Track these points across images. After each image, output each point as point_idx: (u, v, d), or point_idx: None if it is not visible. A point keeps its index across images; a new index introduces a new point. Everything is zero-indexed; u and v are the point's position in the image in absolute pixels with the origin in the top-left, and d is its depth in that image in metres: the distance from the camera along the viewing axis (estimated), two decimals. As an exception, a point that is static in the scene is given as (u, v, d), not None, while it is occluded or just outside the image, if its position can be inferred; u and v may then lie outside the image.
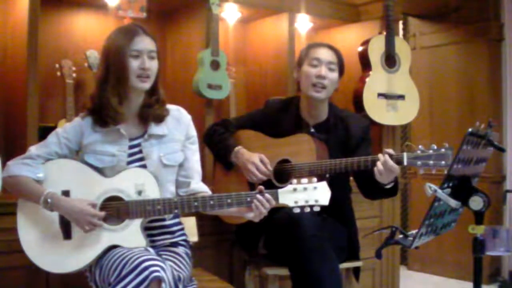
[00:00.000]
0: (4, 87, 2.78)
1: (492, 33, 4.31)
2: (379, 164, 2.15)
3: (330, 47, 2.49)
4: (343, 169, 2.27)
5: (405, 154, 2.15)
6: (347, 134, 2.45)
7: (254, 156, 2.40)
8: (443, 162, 2.09)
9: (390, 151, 2.17)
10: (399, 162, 2.14)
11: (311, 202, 1.87)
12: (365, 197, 2.49)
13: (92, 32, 3.09)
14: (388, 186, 2.24)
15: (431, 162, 2.11)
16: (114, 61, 1.89)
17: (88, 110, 1.98)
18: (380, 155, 2.16)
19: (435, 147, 2.12)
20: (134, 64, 1.90)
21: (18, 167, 1.91)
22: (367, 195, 2.47)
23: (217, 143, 2.52)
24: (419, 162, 2.13)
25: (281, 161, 2.43)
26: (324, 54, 2.44)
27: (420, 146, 2.15)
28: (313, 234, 2.19)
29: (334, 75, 2.44)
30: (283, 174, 2.43)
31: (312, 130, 2.47)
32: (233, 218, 2.49)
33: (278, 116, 2.53)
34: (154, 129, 2.00)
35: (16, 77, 2.68)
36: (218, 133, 2.55)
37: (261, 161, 2.40)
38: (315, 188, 1.87)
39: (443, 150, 2.10)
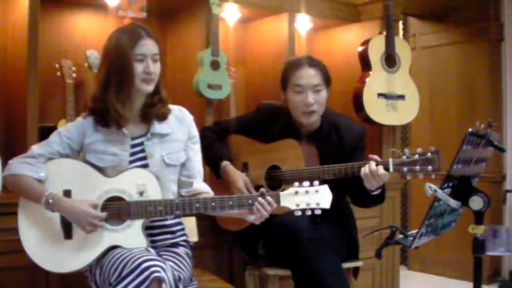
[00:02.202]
0: (4, 87, 2.78)
1: (492, 33, 4.31)
2: (366, 168, 2.11)
3: (311, 64, 2.36)
4: (331, 175, 2.24)
5: (390, 161, 2.10)
6: (340, 142, 2.40)
7: (239, 180, 2.39)
8: (429, 167, 2.03)
9: (376, 157, 2.14)
10: (385, 169, 2.10)
11: (313, 205, 1.86)
12: (354, 204, 2.48)
13: (92, 32, 3.08)
14: (375, 193, 2.21)
15: (417, 167, 2.04)
16: (118, 65, 1.88)
17: (90, 110, 1.98)
18: (367, 165, 2.12)
19: (421, 151, 2.06)
20: (139, 68, 1.89)
21: (20, 166, 1.91)
22: (355, 202, 2.46)
23: (207, 151, 2.44)
24: (405, 169, 2.07)
25: (271, 167, 2.43)
26: (307, 79, 2.32)
27: (405, 150, 2.08)
28: (310, 237, 2.19)
29: (322, 95, 2.35)
30: (274, 180, 2.42)
31: (305, 139, 2.44)
32: (231, 225, 2.49)
33: (269, 122, 2.50)
34: (157, 127, 2.00)
35: (16, 77, 2.68)
36: (208, 140, 2.52)
37: (246, 186, 2.39)
38: (316, 191, 1.87)
39: (429, 154, 2.03)
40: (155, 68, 1.93)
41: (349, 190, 2.43)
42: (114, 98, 1.91)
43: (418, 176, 2.08)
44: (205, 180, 2.14)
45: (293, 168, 2.34)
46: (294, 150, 2.36)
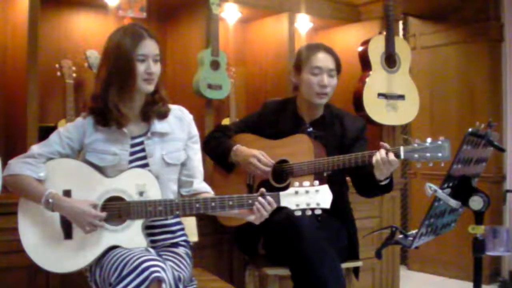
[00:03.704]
0: (4, 87, 2.78)
1: (492, 33, 4.31)
2: (377, 155, 2.15)
3: (328, 51, 2.51)
4: (341, 165, 2.28)
5: (401, 148, 2.15)
6: (342, 131, 2.49)
7: (254, 150, 2.43)
8: (440, 154, 2.10)
9: (386, 145, 2.18)
10: (396, 155, 2.15)
11: (313, 205, 1.86)
12: (359, 194, 2.50)
13: (92, 32, 3.09)
14: (384, 183, 2.24)
15: (428, 154, 2.11)
16: (120, 65, 1.89)
17: (90, 110, 1.98)
18: (378, 152, 2.16)
19: (431, 140, 2.12)
20: (140, 68, 1.90)
21: (20, 166, 1.91)
22: (361, 191, 2.48)
23: (215, 147, 2.53)
24: (416, 155, 2.13)
25: (279, 161, 2.44)
26: (325, 62, 2.46)
27: (416, 140, 2.16)
28: (311, 236, 2.19)
29: (335, 81, 2.50)
30: (281, 174, 2.43)
31: (310, 128, 2.49)
32: (231, 221, 2.49)
33: (276, 116, 2.56)
34: (158, 126, 2.00)
35: (16, 77, 2.68)
36: (215, 138, 2.57)
37: (261, 154, 2.41)
38: (316, 191, 1.87)
39: (439, 142, 2.11)
40: (156, 69, 1.94)
41: (355, 179, 2.46)
42: (115, 98, 1.91)
43: (428, 163, 2.13)
44: (205, 180, 2.14)
45: (302, 160, 2.36)
46: (305, 144, 2.39)
